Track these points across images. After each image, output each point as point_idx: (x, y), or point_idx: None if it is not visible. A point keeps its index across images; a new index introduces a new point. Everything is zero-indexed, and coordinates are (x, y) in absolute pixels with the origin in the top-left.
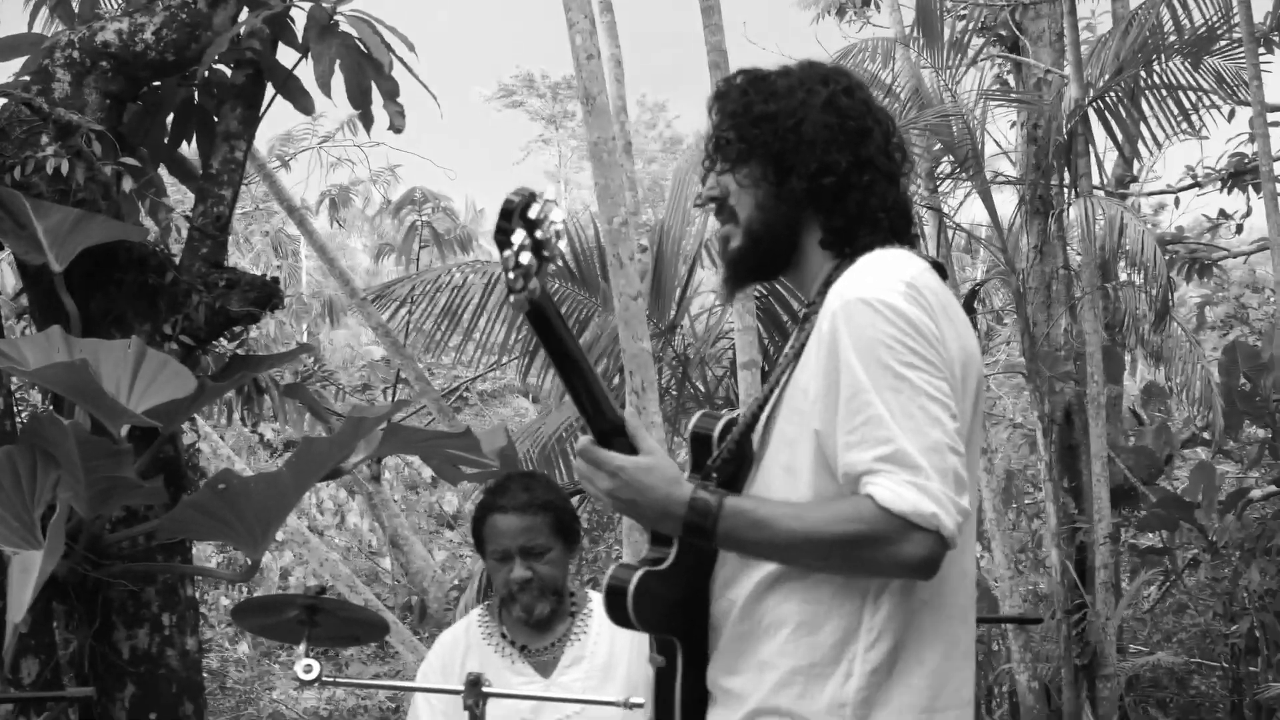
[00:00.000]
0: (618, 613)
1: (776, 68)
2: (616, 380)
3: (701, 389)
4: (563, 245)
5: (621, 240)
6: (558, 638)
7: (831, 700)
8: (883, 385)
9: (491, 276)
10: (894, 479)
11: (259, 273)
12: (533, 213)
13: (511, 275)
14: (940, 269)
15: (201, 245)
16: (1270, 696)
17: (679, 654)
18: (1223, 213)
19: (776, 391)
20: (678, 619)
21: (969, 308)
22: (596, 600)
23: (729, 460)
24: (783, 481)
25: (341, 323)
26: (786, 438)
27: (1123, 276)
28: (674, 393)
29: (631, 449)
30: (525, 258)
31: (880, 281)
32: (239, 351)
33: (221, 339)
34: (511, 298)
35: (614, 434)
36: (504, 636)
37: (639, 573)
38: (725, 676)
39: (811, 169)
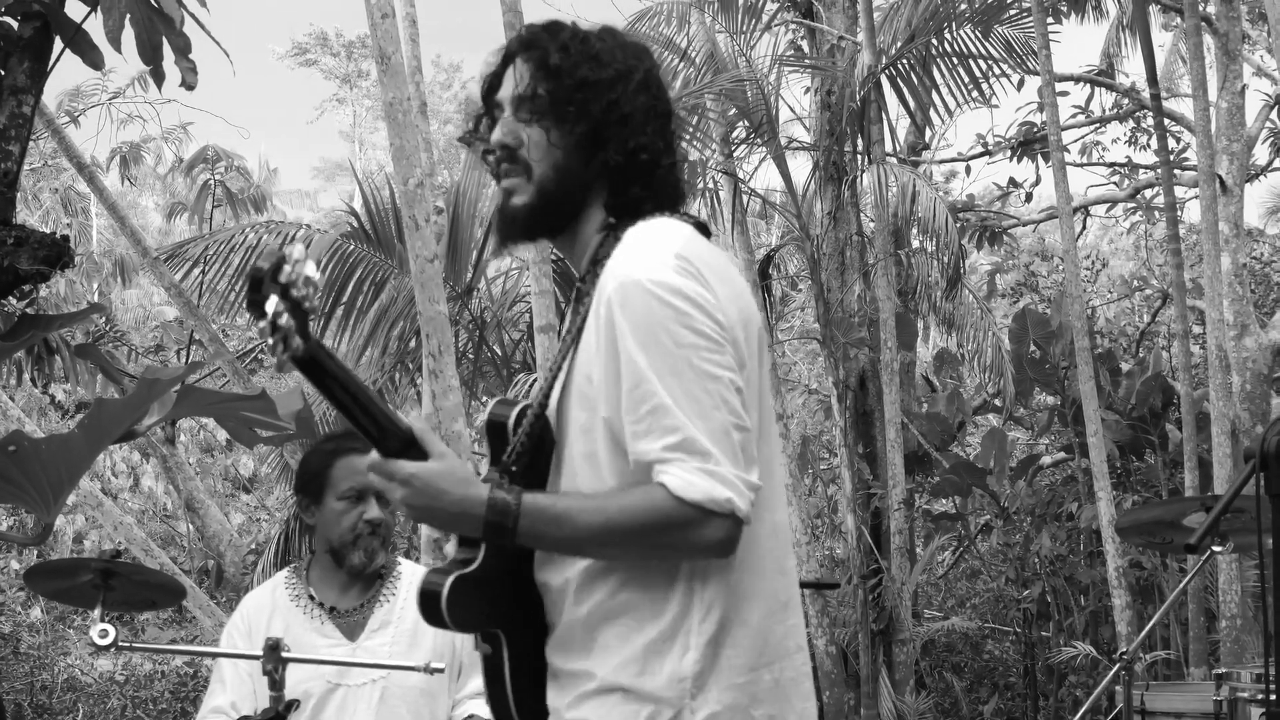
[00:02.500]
0: (432, 617)
1: (591, 28)
2: (414, 343)
3: (499, 352)
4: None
5: (417, 202)
6: (366, 599)
7: (671, 675)
8: (664, 371)
9: (286, 238)
10: (684, 467)
11: (48, 230)
12: (283, 276)
13: (272, 342)
14: (704, 229)
15: None
16: (1061, 660)
17: (504, 643)
18: (1013, 181)
19: (562, 375)
20: (497, 613)
21: (764, 273)
22: (406, 566)
23: (525, 450)
24: (586, 470)
25: (134, 282)
26: (581, 425)
27: (915, 243)
28: (471, 356)
29: (425, 456)
30: (283, 320)
31: (652, 259)
32: (28, 311)
33: (10, 298)
34: (275, 359)
35: (407, 448)
36: (311, 598)
37: (451, 578)
38: (564, 658)
39: (629, 146)
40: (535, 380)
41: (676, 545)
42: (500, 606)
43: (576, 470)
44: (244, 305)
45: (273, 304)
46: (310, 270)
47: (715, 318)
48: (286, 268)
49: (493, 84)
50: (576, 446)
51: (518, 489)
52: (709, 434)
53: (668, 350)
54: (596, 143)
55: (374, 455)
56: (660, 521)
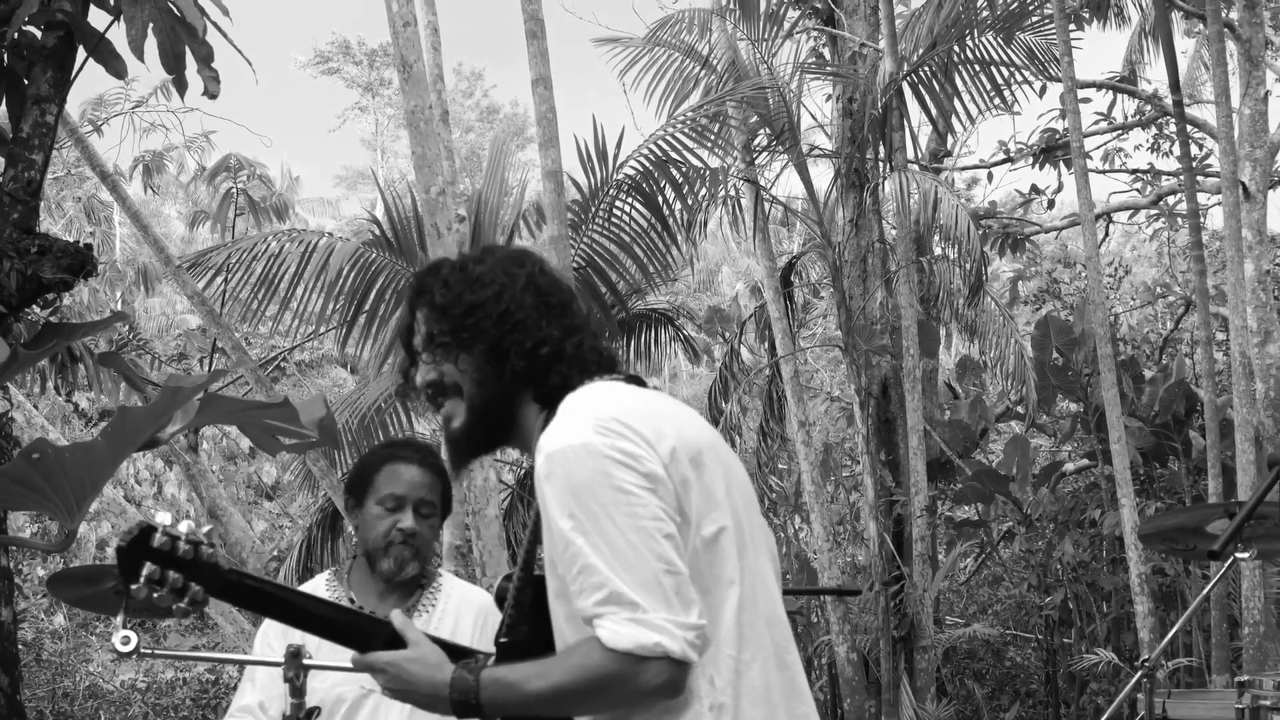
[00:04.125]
0: None
1: (466, 255)
2: None
3: None
4: (379, 213)
5: (439, 210)
6: (405, 607)
7: None
8: (589, 529)
9: (308, 246)
10: (615, 619)
11: (72, 239)
12: (156, 542)
13: (158, 596)
14: (638, 380)
15: (12, 210)
16: (1083, 667)
17: None
18: (1035, 188)
19: (536, 547)
20: None
21: (785, 280)
22: (448, 578)
23: (515, 622)
24: (571, 630)
25: (156, 291)
26: (555, 591)
27: (937, 250)
28: None
29: (403, 646)
30: (171, 577)
31: (570, 427)
32: (52, 319)
33: (34, 306)
34: (176, 612)
35: (391, 642)
36: (351, 601)
37: None
38: None
39: (527, 347)
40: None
41: (621, 696)
42: None
43: (563, 632)
44: (120, 581)
45: (146, 569)
46: (188, 526)
47: (636, 469)
48: (156, 534)
49: (406, 335)
50: (558, 610)
51: (479, 665)
52: (635, 584)
53: (589, 510)
54: (501, 353)
55: (355, 655)
56: (599, 675)
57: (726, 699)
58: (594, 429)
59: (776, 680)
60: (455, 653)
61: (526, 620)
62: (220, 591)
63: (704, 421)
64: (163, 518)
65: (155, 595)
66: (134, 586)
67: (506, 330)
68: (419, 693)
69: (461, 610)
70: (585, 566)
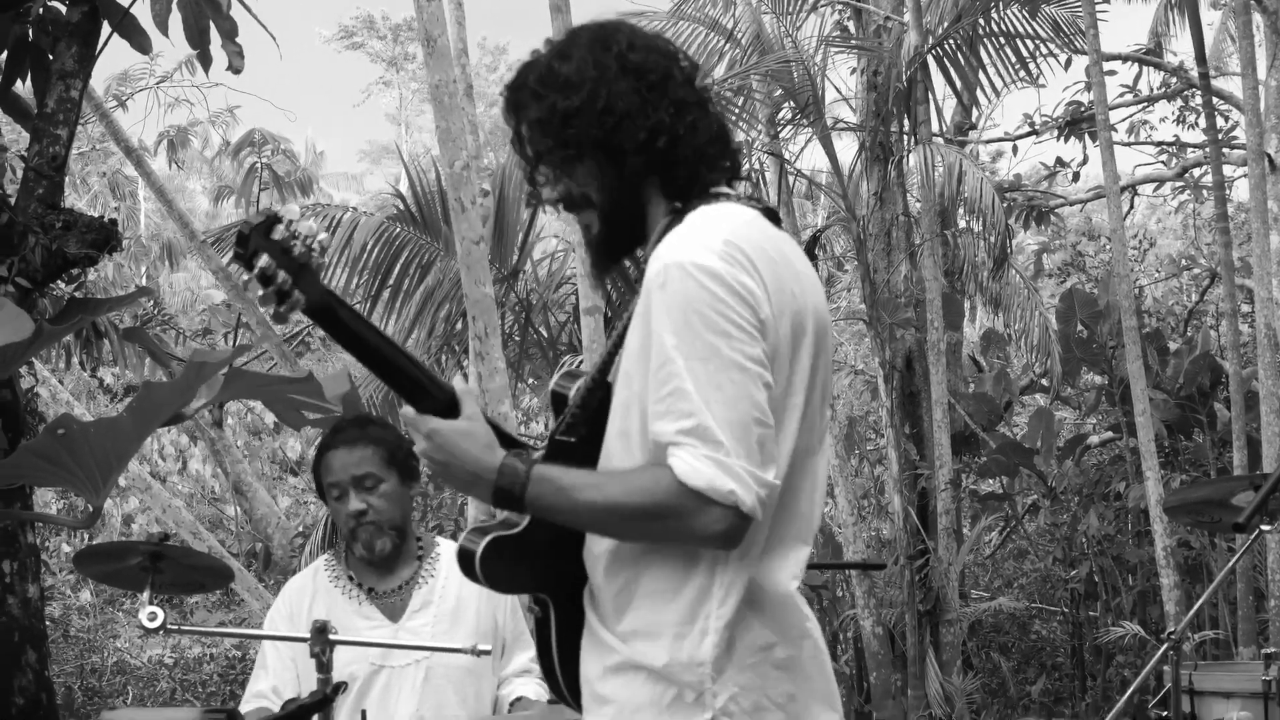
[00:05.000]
0: (470, 575)
1: (550, 51)
2: (460, 325)
3: (545, 334)
4: (403, 188)
5: (463, 184)
6: (404, 581)
7: (690, 659)
8: (691, 355)
9: (333, 220)
10: (694, 453)
11: (96, 214)
12: (277, 234)
13: (261, 294)
14: (773, 215)
15: (37, 186)
16: (1109, 640)
17: (551, 608)
18: (1060, 161)
19: (616, 355)
20: (543, 579)
21: (810, 254)
22: (444, 545)
23: (579, 421)
24: (620, 447)
25: (181, 266)
26: (621, 402)
27: (962, 224)
28: (517, 338)
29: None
30: (281, 277)
31: (698, 242)
32: (77, 294)
33: (59, 281)
34: (273, 312)
35: (447, 408)
36: (351, 579)
37: (488, 539)
38: (599, 623)
39: (641, 139)
40: (581, 361)
41: (675, 531)
42: (547, 573)
43: (611, 447)
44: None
45: (263, 260)
46: (310, 227)
47: (753, 308)
48: (280, 226)
49: (519, 146)
50: (614, 423)
51: (532, 459)
52: (726, 424)
53: (698, 334)
54: (617, 154)
55: (407, 408)
56: (660, 504)
57: (736, 580)
58: (720, 253)
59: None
60: (505, 441)
61: (588, 424)
62: (310, 307)
63: (821, 290)
64: (290, 210)
65: (260, 292)
66: (245, 278)
67: (610, 130)
68: (462, 469)
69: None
70: (678, 390)
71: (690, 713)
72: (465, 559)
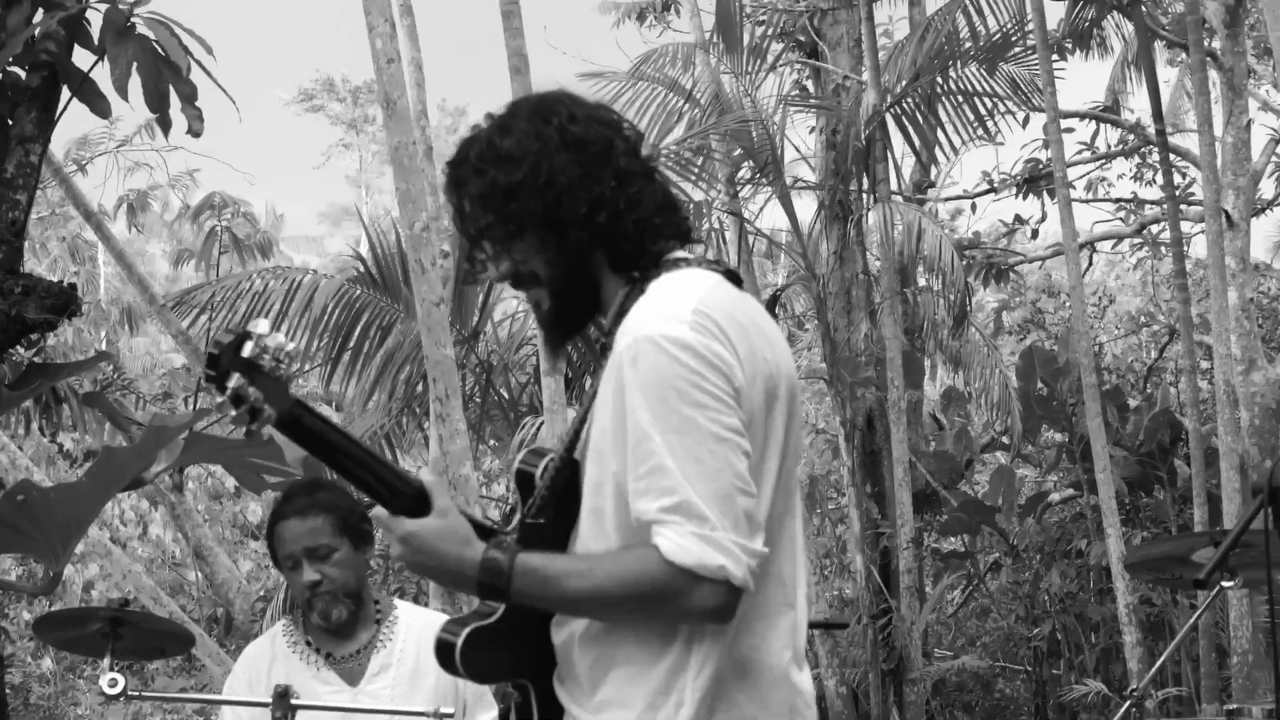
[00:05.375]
0: (449, 668)
1: (491, 126)
2: (420, 387)
3: (506, 395)
4: (363, 250)
5: (423, 246)
6: (363, 645)
7: None
8: (668, 429)
9: (293, 283)
10: (680, 530)
11: (56, 279)
12: (247, 351)
13: (234, 413)
14: (735, 278)
15: None
16: (1073, 698)
17: (532, 692)
18: (1018, 218)
19: (584, 431)
20: (520, 663)
21: (770, 312)
22: (403, 608)
23: (545, 505)
24: (592, 526)
25: (141, 330)
26: (592, 480)
27: (921, 281)
28: (478, 400)
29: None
30: (251, 393)
31: (666, 313)
32: (36, 359)
33: (18, 347)
34: (245, 431)
35: (418, 503)
36: (309, 645)
37: (468, 630)
38: (569, 703)
39: (583, 213)
40: (541, 423)
41: (668, 611)
42: (526, 657)
43: (584, 527)
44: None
45: (234, 380)
46: (279, 340)
47: (727, 377)
48: (249, 343)
49: (461, 223)
50: (587, 501)
51: (514, 549)
52: (709, 497)
53: (673, 408)
54: (559, 227)
55: (379, 510)
56: (650, 586)
57: (713, 651)
58: (691, 324)
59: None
60: (480, 530)
61: (557, 504)
62: (280, 421)
63: (789, 352)
64: (260, 325)
65: (233, 413)
66: (219, 401)
67: (552, 204)
68: (442, 568)
69: (423, 639)
70: (658, 467)
71: None
72: (444, 651)
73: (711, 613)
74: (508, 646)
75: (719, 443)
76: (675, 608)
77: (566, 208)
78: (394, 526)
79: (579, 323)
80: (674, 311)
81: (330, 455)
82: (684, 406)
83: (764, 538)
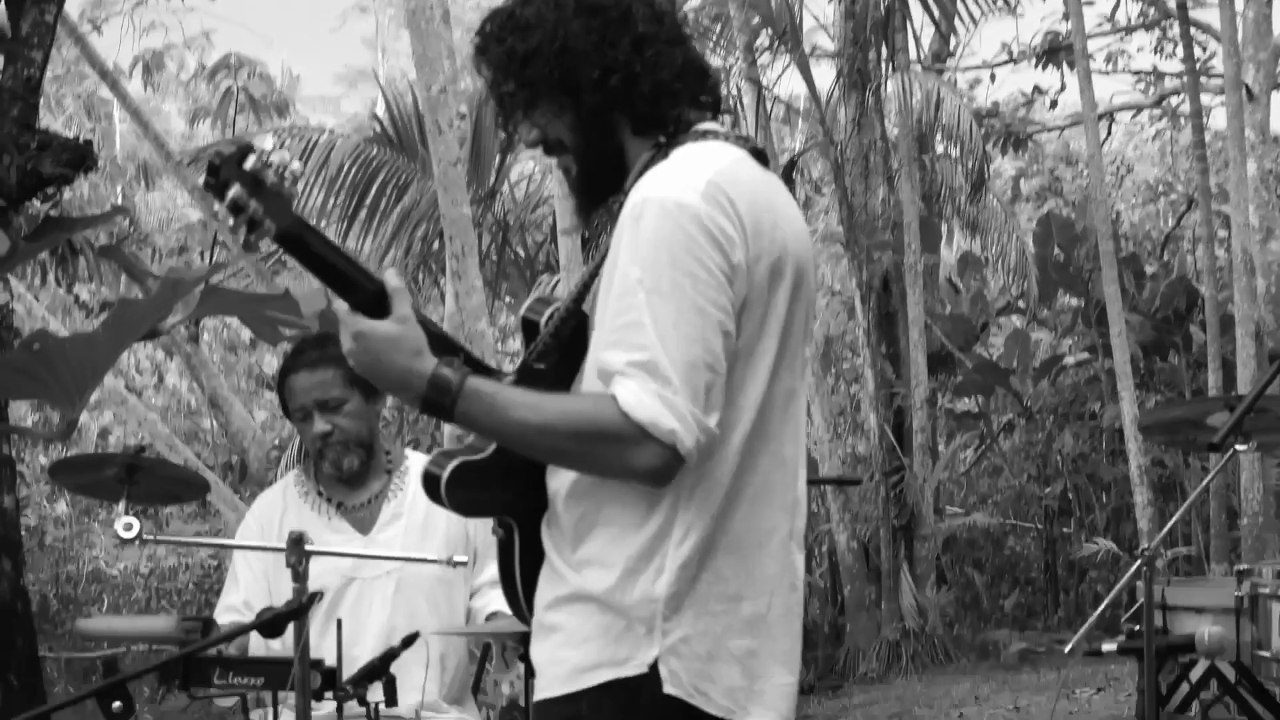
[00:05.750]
0: (433, 497)
1: None
2: (437, 245)
3: (522, 254)
4: (380, 110)
5: (440, 107)
6: (374, 494)
7: (643, 595)
8: (654, 290)
9: (310, 142)
10: (642, 386)
11: (72, 135)
12: (249, 164)
13: (232, 221)
14: (761, 155)
15: (12, 107)
16: (1082, 556)
17: (515, 531)
18: (1037, 89)
19: (594, 285)
20: (505, 503)
21: (787, 178)
22: (414, 458)
23: (550, 349)
24: (591, 377)
25: (157, 185)
26: (594, 335)
27: (939, 149)
28: (494, 258)
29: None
30: (252, 206)
31: (680, 180)
32: (52, 213)
33: (34, 200)
34: (244, 241)
35: (375, 301)
36: (320, 494)
37: (454, 463)
38: (555, 553)
39: (595, 78)
40: (558, 281)
41: (607, 460)
42: (511, 497)
43: (587, 376)
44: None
45: (234, 189)
46: (283, 157)
47: (726, 254)
48: (252, 157)
49: (494, 94)
50: (591, 354)
51: (465, 370)
52: (678, 363)
53: (664, 272)
54: (573, 92)
55: (339, 304)
56: (596, 431)
57: (697, 522)
58: (702, 193)
59: (766, 531)
60: (438, 343)
61: (560, 352)
62: (279, 235)
63: (806, 232)
64: (265, 141)
65: (231, 221)
66: (216, 208)
67: (567, 69)
68: (387, 375)
69: None
70: (635, 323)
71: (638, 645)
72: (430, 483)
73: (650, 473)
74: (495, 485)
75: (700, 315)
76: (616, 459)
77: (579, 72)
78: (350, 322)
79: (607, 188)
80: (688, 179)
81: (321, 268)
82: (675, 272)
83: (718, 419)
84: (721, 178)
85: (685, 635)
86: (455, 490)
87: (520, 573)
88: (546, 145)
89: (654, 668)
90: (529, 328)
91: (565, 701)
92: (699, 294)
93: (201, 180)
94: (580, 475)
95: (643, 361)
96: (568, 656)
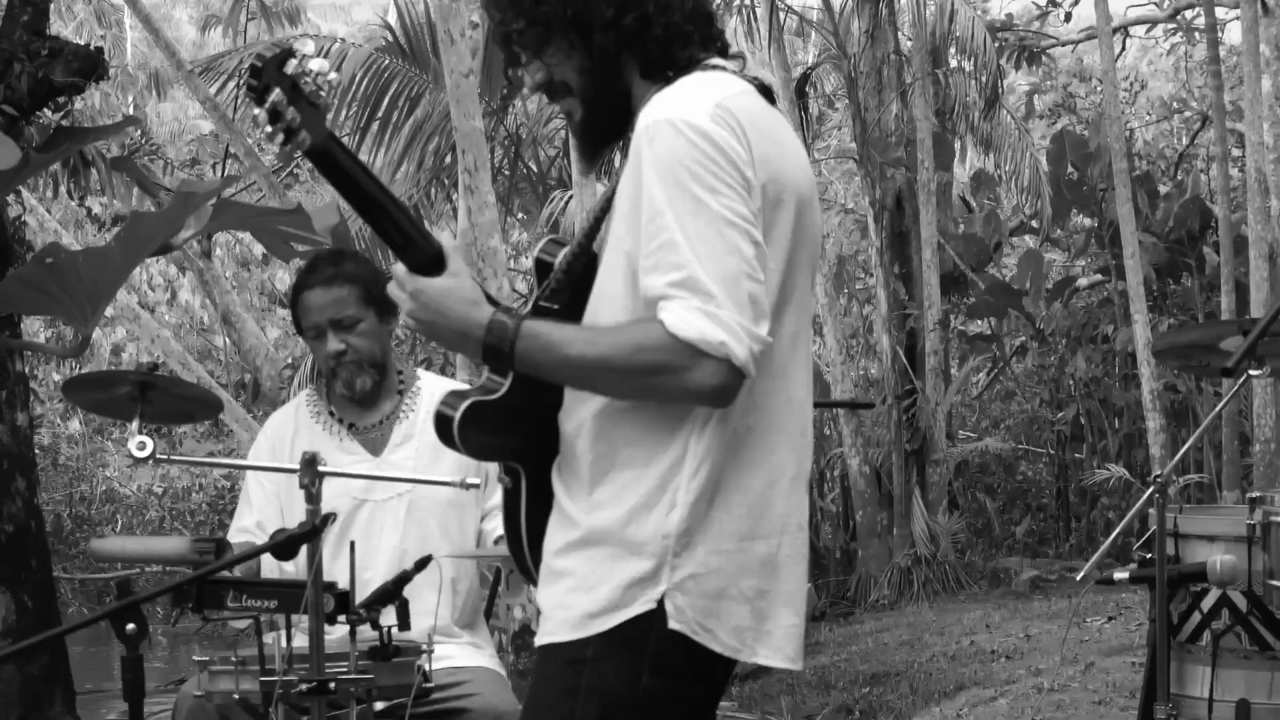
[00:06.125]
0: (445, 439)
1: None
2: (449, 159)
3: (534, 169)
4: (391, 19)
5: (452, 16)
6: (385, 415)
7: (655, 530)
8: (681, 209)
9: (321, 51)
10: (685, 305)
11: (82, 42)
12: (290, 68)
13: (270, 129)
14: (767, 92)
15: (22, 12)
16: (1094, 482)
17: (523, 478)
18: (1052, 1)
19: (604, 221)
20: (518, 448)
21: (800, 92)
22: (426, 379)
23: (563, 287)
24: (606, 306)
25: (168, 96)
26: (608, 264)
27: (953, 63)
28: (506, 172)
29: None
30: (289, 114)
31: (688, 102)
32: (64, 123)
33: (46, 110)
34: (278, 150)
35: (433, 264)
36: (332, 415)
37: (467, 403)
38: (566, 498)
39: (608, 16)
40: (570, 196)
41: (669, 385)
42: (522, 441)
43: (599, 307)
44: (243, 93)
45: (274, 94)
46: (322, 65)
47: (741, 170)
48: (293, 61)
49: (499, 37)
50: (600, 285)
51: (520, 314)
52: (716, 276)
53: (686, 190)
54: (586, 31)
55: (398, 266)
56: (652, 358)
57: (709, 459)
58: (710, 115)
59: (775, 462)
60: (491, 302)
61: (572, 290)
62: (313, 149)
63: (810, 170)
64: (304, 45)
65: (269, 130)
66: (255, 112)
67: (580, 6)
68: (448, 327)
69: None
70: (668, 243)
71: (645, 585)
72: (443, 424)
73: (712, 391)
74: (506, 427)
75: (729, 226)
76: (676, 383)
77: (593, 9)
78: (406, 281)
79: (612, 131)
80: (696, 101)
81: (358, 195)
82: (696, 188)
83: (769, 326)
84: (729, 102)
85: (694, 573)
86: (468, 431)
87: (526, 522)
88: (551, 88)
89: (660, 603)
90: (542, 268)
91: (572, 646)
92: (723, 206)
93: (244, 83)
94: (601, 413)
95: (682, 279)
96: (577, 602)
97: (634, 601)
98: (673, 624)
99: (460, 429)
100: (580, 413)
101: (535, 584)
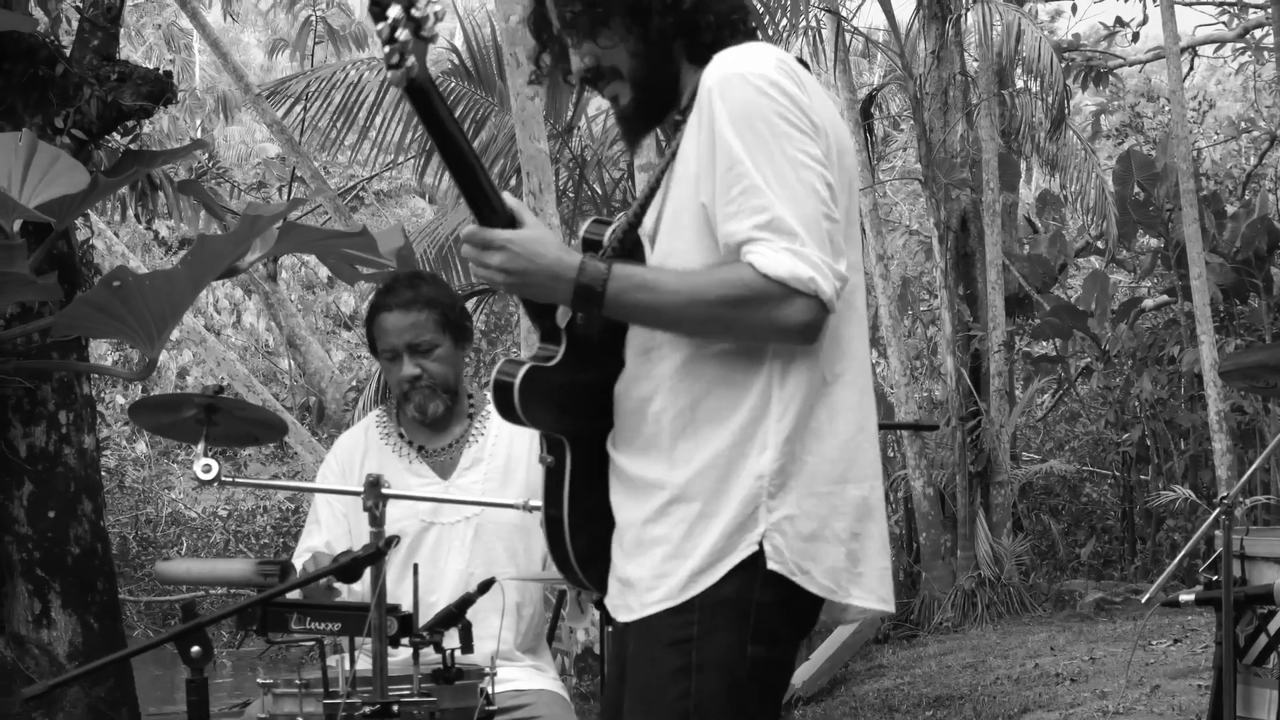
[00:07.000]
0: (505, 408)
1: None
2: (514, 181)
3: (599, 190)
4: (458, 42)
5: (519, 39)
6: (455, 439)
7: (749, 472)
8: (758, 155)
9: (388, 75)
10: (772, 246)
11: (151, 67)
12: None
13: (387, 49)
14: (803, 65)
15: (92, 37)
16: (1160, 504)
17: (568, 454)
18: (1119, 20)
19: (662, 188)
20: (567, 418)
21: (866, 113)
22: None
23: (615, 256)
24: (676, 261)
25: (236, 119)
26: (670, 226)
27: (1019, 83)
28: (571, 195)
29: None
30: (402, 34)
31: (753, 58)
32: (132, 146)
33: (114, 133)
34: (389, 74)
35: (508, 224)
36: (401, 437)
37: (526, 367)
38: (644, 465)
39: (667, 1)
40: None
41: (760, 322)
42: (571, 413)
43: (664, 261)
44: (368, 11)
45: (394, 11)
46: (436, 5)
47: (809, 115)
48: None
49: (540, 25)
50: (666, 241)
51: (611, 259)
52: (798, 217)
53: (762, 136)
54: (643, 14)
55: (472, 226)
56: (743, 296)
57: (794, 401)
58: (776, 67)
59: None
60: None
61: (625, 260)
62: (416, 81)
63: (849, 134)
64: None
65: (385, 50)
66: (379, 26)
67: None
68: (541, 270)
69: (515, 434)
70: (750, 188)
71: (745, 529)
72: (503, 391)
73: (802, 328)
74: (557, 395)
75: (805, 169)
76: (766, 320)
77: None
78: (493, 236)
79: (658, 114)
80: (760, 56)
81: (448, 143)
82: (771, 135)
83: (846, 264)
84: (787, 61)
85: (790, 514)
86: (527, 395)
87: (569, 505)
88: (598, 73)
89: (760, 545)
90: (590, 247)
91: (676, 623)
92: (798, 149)
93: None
94: (683, 366)
95: (766, 222)
96: (677, 568)
97: (736, 548)
98: (771, 564)
99: (521, 393)
100: (657, 372)
101: (571, 569)
